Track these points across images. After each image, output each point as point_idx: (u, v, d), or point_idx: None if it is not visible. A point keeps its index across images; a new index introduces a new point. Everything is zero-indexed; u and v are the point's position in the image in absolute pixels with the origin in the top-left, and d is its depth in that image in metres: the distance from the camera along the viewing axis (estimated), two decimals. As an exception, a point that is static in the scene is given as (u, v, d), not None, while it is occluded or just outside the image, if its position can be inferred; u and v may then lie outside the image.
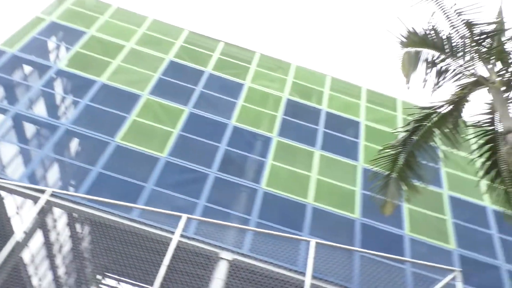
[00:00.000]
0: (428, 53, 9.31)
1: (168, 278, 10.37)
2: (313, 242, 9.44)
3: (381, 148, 9.89)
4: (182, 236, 9.32)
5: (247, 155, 14.39)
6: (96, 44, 16.10)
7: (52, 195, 9.68)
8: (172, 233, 9.29)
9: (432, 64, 9.20)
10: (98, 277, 14.21)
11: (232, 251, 10.40)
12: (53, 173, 13.62)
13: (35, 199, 9.59)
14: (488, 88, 8.24)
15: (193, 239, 10.24)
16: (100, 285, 14.79)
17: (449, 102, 9.05)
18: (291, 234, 11.34)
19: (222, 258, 10.06)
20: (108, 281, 14.74)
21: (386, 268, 10.81)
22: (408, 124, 9.44)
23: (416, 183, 9.93)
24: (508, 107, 7.85)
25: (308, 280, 8.77)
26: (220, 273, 9.73)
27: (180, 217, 9.34)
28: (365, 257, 11.17)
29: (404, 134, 9.42)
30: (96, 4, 17.80)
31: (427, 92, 9.23)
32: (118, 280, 14.55)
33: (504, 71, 8.45)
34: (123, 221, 10.14)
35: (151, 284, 8.57)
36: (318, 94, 17.37)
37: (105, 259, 12.09)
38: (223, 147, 13.73)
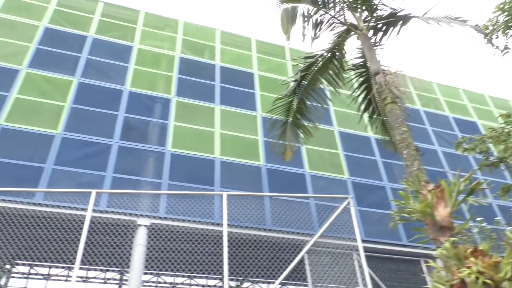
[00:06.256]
0: (303, 7, 10.00)
1: (88, 252, 10.39)
2: (224, 194, 10.12)
3: (275, 98, 10.67)
4: (95, 211, 9.35)
5: (148, 119, 14.27)
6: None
7: None
8: (84, 210, 9.32)
9: (308, 17, 9.93)
10: (7, 266, 13.51)
11: (149, 216, 10.69)
12: None
13: None
14: (357, 35, 9.24)
15: (107, 212, 10.27)
16: (12, 274, 14.10)
17: (328, 50, 10.00)
18: (203, 190, 11.92)
19: (140, 225, 10.31)
20: (19, 268, 14.13)
21: (293, 205, 12.09)
22: (296, 73, 10.26)
23: (310, 125, 11.02)
24: (376, 52, 8.95)
25: (225, 229, 9.51)
26: (140, 239, 10.01)
27: (90, 193, 9.31)
28: (274, 199, 12.28)
29: (293, 83, 10.24)
30: None
31: (308, 42, 10.02)
32: (31, 265, 14.03)
33: (370, 18, 9.48)
34: (27, 207, 9.78)
35: (72, 263, 8.58)
36: (210, 49, 17.50)
37: (13, 248, 11.53)
38: (122, 114, 13.43)
